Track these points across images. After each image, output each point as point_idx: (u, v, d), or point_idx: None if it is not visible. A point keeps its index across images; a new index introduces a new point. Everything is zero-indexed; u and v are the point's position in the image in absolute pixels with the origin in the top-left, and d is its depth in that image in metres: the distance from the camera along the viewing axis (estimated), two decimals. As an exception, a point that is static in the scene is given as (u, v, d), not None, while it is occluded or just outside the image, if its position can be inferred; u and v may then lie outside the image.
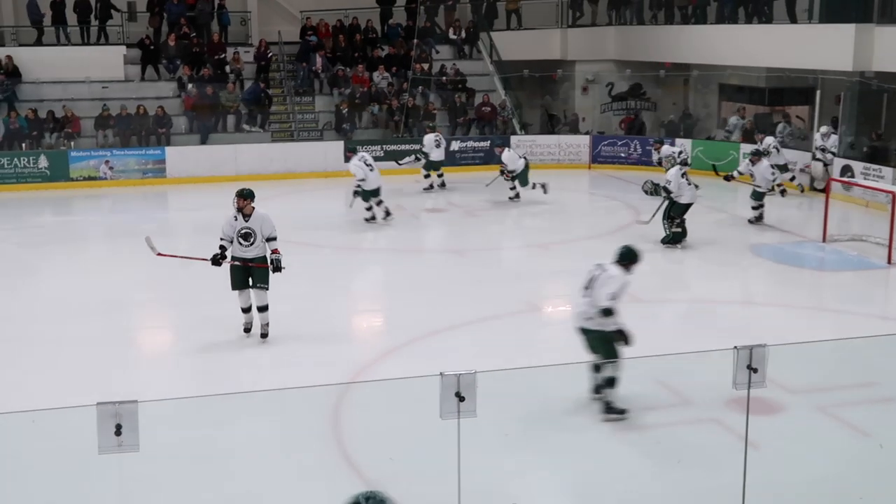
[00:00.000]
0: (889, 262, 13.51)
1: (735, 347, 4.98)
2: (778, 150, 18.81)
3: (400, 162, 20.12)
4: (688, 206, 14.47)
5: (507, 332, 10.78)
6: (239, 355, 10.03)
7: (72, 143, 21.65)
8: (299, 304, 11.52)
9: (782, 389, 8.28)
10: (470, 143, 23.48)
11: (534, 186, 18.06)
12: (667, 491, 6.89)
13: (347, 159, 17.05)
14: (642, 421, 8.08)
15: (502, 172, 18.18)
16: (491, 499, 6.33)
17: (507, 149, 18.67)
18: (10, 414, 5.54)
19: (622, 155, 23.36)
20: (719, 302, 12.04)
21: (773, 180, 17.13)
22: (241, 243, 9.93)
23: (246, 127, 22.99)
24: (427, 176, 20.05)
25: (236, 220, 9.98)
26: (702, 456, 7.41)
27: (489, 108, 24.19)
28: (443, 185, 20.19)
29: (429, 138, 19.95)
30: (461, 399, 4.24)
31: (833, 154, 19.06)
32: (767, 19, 22.20)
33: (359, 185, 16.32)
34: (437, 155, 19.82)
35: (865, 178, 17.47)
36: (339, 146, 22.50)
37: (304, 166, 22.18)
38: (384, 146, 22.87)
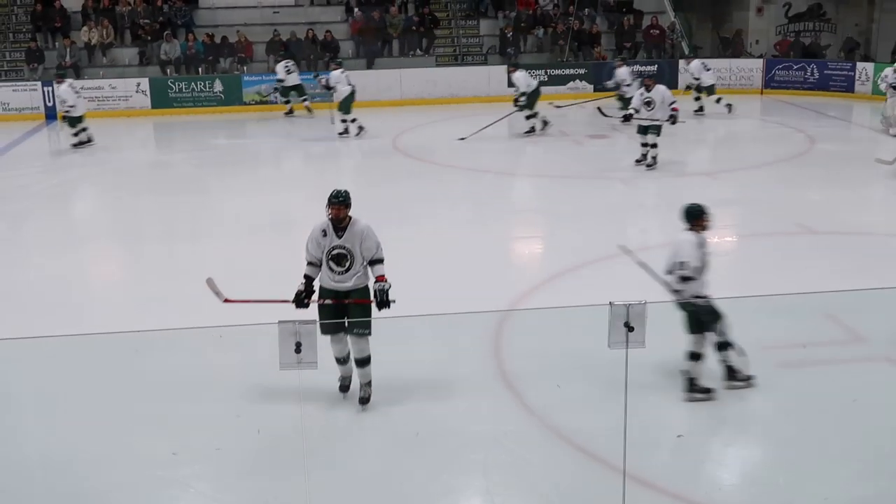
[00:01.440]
0: None
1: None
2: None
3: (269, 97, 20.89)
4: None
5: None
6: (401, 276, 10.22)
7: (245, 68, 22.35)
8: (463, 229, 11.63)
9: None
10: (637, 68, 22.86)
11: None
12: (841, 428, 6.68)
13: (58, 84, 17.71)
14: (815, 357, 7.85)
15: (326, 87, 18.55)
16: (656, 431, 6.30)
17: (341, 69, 18.47)
18: (200, 329, 5.86)
19: (798, 80, 22.28)
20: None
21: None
22: (332, 269, 6.84)
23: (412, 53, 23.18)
24: (286, 102, 20.63)
25: (325, 235, 6.88)
26: (876, 394, 7.15)
27: (657, 31, 23.53)
28: (289, 112, 20.69)
29: (279, 66, 20.43)
30: (630, 329, 4.20)
31: None
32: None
33: (67, 111, 17.05)
34: (291, 80, 20.32)
35: None
36: (502, 70, 22.38)
37: (468, 90, 22.19)
38: (549, 70, 22.61)
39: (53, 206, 13.89)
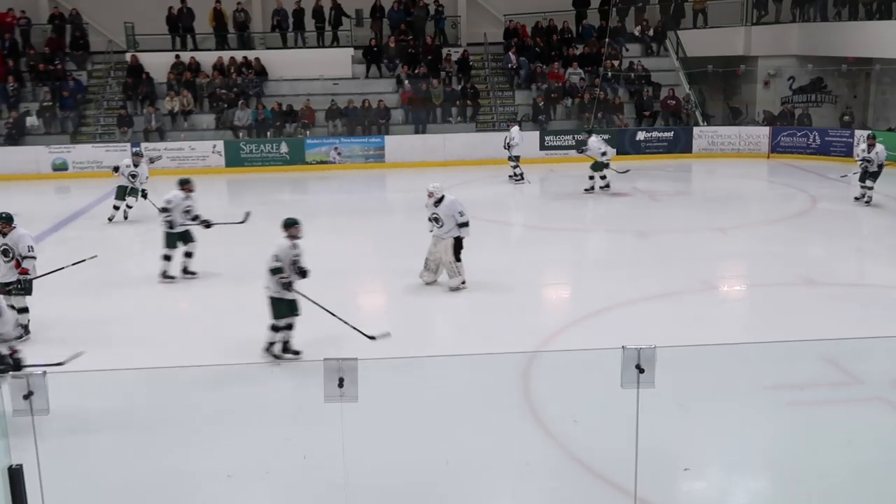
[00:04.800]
0: None
1: (910, 335, 4.63)
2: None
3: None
4: None
5: (686, 308, 10.45)
6: (445, 319, 10.19)
7: (307, 132, 22.64)
8: (497, 276, 11.60)
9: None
10: (655, 134, 22.91)
11: None
12: (841, 463, 6.52)
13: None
14: (814, 397, 7.68)
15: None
16: (665, 463, 6.18)
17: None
18: (255, 364, 5.90)
19: (802, 145, 22.08)
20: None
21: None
22: None
23: (451, 119, 23.35)
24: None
25: None
26: (873, 433, 6.97)
27: (674, 102, 23.49)
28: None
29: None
30: (641, 371, 4.15)
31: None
32: (955, 14, 20.35)
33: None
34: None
35: None
36: (535, 136, 22.48)
37: (503, 153, 22.16)
38: (575, 136, 22.67)
39: (137, 251, 14.08)
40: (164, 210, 11.74)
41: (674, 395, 6.69)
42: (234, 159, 21.84)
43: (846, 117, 23.12)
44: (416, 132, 23.00)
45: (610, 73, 24.06)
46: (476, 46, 25.43)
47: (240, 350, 8.70)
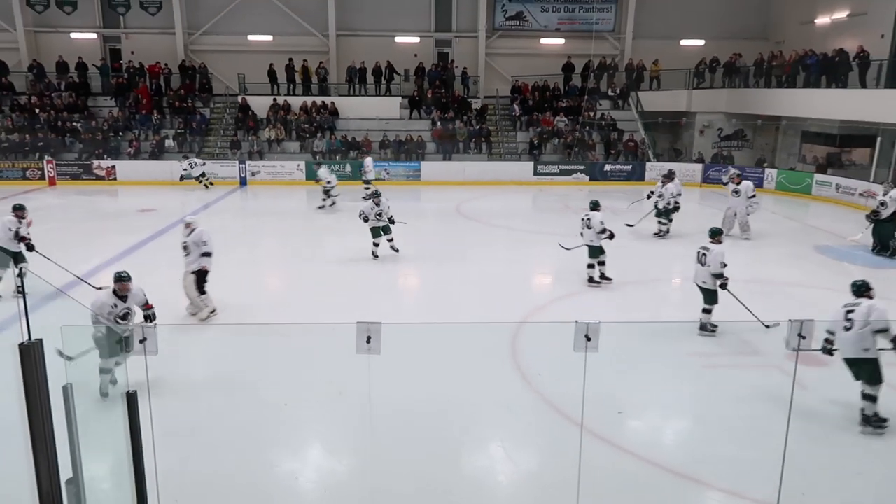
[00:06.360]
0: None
1: (789, 320, 4.49)
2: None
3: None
4: None
5: (635, 293, 10.32)
6: (459, 295, 10.08)
7: (366, 157, 22.55)
8: (498, 267, 11.50)
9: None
10: (618, 166, 22.65)
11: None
12: (737, 413, 6.42)
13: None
14: (720, 362, 7.54)
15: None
16: (605, 405, 6.12)
17: None
18: (306, 324, 5.89)
19: (723, 179, 21.71)
20: (791, 284, 10.99)
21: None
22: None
23: (470, 151, 23.17)
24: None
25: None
26: (765, 391, 6.84)
27: (633, 143, 23.22)
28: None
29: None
30: (588, 339, 4.07)
31: None
32: (843, 85, 19.94)
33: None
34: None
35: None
36: (530, 164, 22.34)
37: (507, 176, 22.17)
38: (560, 166, 22.49)
39: (241, 238, 14.14)
40: (608, 232, 10.38)
41: (616, 358, 6.59)
42: (312, 175, 21.72)
43: (763, 163, 22.74)
44: (444, 160, 22.89)
45: (587, 121, 23.82)
46: (490, 98, 25.28)
47: (301, 310, 8.64)
